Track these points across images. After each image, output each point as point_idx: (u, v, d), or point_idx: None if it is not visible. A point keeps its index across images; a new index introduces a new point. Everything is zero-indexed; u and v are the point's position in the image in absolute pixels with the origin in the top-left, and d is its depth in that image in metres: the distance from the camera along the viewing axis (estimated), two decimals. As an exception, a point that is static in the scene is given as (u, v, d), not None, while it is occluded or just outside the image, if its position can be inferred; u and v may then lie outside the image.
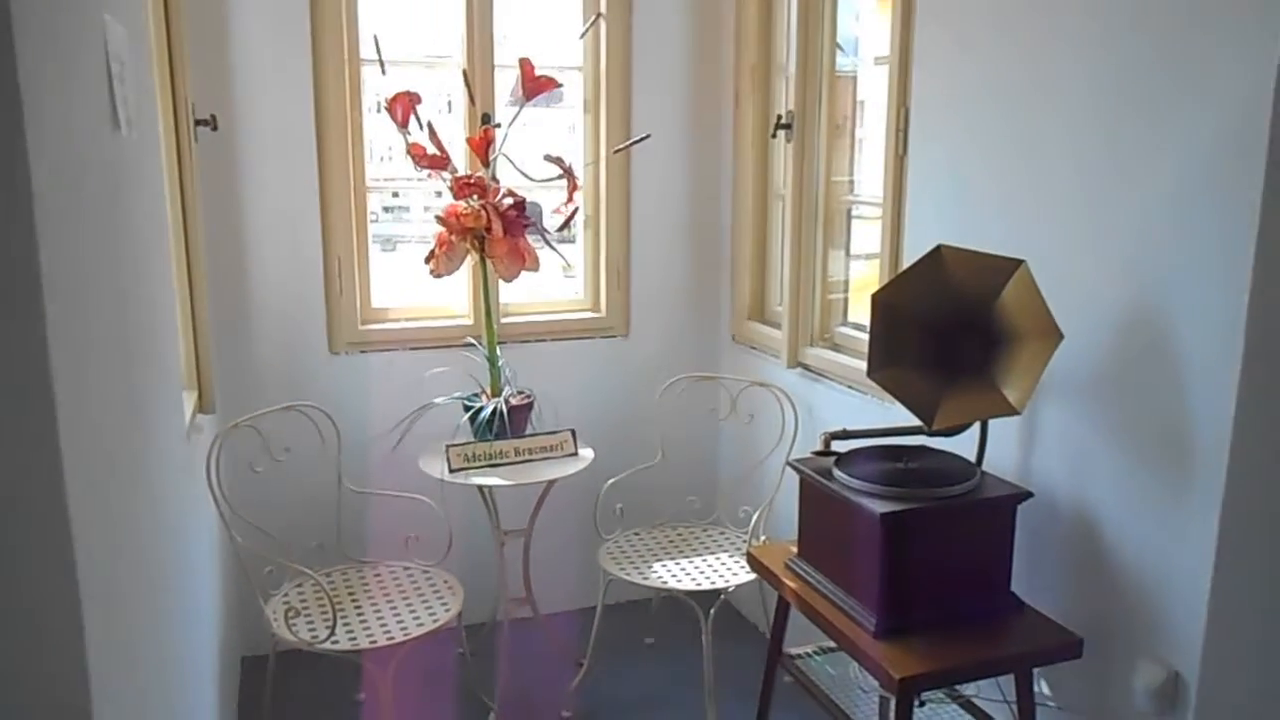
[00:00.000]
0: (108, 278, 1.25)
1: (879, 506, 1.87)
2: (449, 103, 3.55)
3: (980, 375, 1.91)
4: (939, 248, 1.93)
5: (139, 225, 1.53)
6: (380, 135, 3.32)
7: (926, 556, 1.93)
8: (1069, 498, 2.03)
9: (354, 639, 2.48)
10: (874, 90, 2.86)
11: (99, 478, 1.11)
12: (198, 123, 2.36)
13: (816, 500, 2.11)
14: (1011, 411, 1.82)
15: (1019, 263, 1.85)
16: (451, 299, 3.33)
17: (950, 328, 1.96)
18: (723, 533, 3.14)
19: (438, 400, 3.01)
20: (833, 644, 2.37)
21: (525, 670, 3.14)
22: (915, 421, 2.18)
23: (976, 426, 2.11)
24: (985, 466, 2.10)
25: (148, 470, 1.52)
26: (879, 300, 1.97)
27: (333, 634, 2.44)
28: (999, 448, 2.16)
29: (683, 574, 2.85)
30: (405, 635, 2.49)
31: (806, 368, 3.01)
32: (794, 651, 2.39)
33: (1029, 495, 1.98)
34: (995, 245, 2.01)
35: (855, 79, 2.95)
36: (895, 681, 1.77)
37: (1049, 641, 1.91)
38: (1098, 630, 1.94)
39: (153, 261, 1.69)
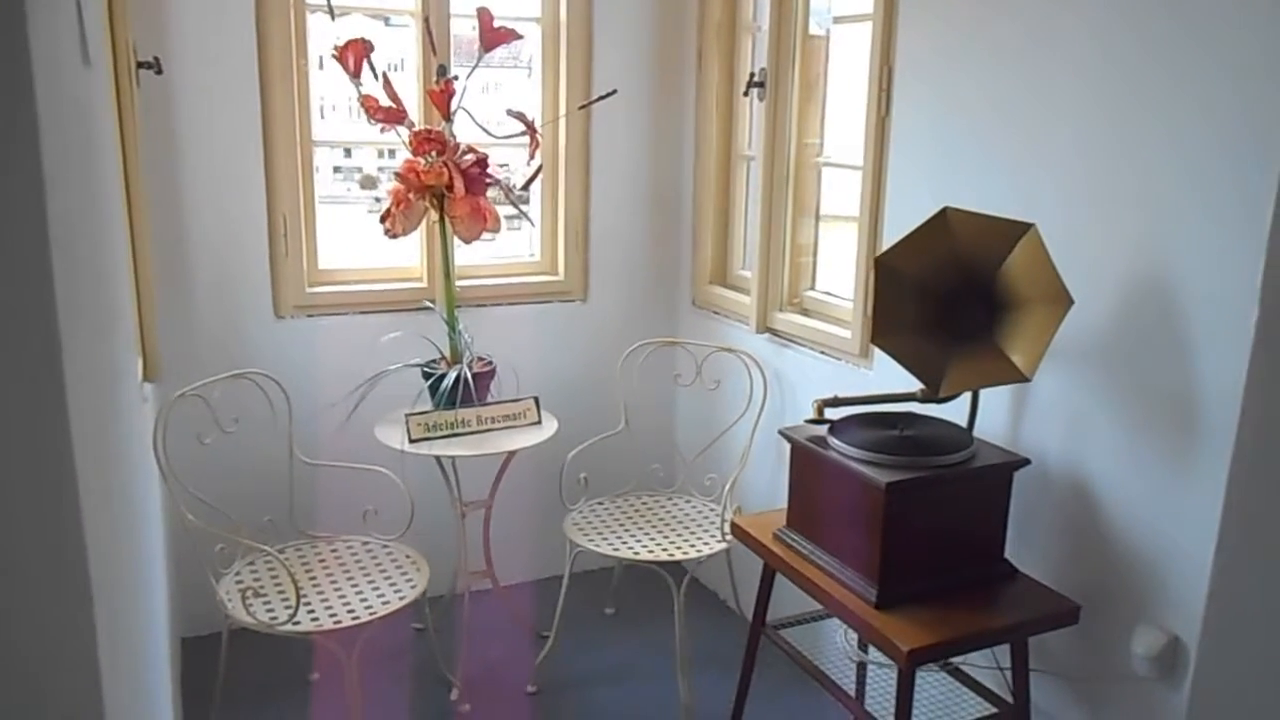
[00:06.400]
0: (88, 229, 1.10)
1: (883, 476, 1.83)
2: (400, 61, 3.36)
3: (985, 341, 1.87)
4: (945, 210, 1.88)
5: (106, 171, 1.37)
6: (326, 91, 3.13)
7: (925, 525, 1.90)
8: (1063, 464, 2.02)
9: (316, 619, 2.35)
10: (847, 51, 2.80)
11: (98, 454, 0.98)
12: (140, 65, 2.16)
13: (810, 469, 2.06)
14: (1020, 378, 1.79)
15: (1028, 226, 1.82)
16: (403, 260, 3.18)
17: (953, 292, 1.91)
18: (688, 500, 3.08)
19: (393, 367, 2.87)
20: (810, 614, 2.35)
21: (486, 644, 3.06)
22: (897, 387, 2.15)
23: (966, 393, 2.09)
24: (976, 433, 2.08)
25: (120, 444, 1.38)
26: (883, 264, 1.91)
27: (294, 615, 2.30)
28: (987, 414, 2.14)
29: (652, 544, 2.79)
30: (371, 614, 2.37)
31: (775, 332, 2.96)
32: (774, 621, 2.35)
33: (1026, 462, 1.96)
34: (982, 208, 1.97)
35: (828, 38, 2.88)
36: (904, 654, 1.74)
37: (1047, 609, 1.90)
38: (1093, 596, 1.94)
39: (113, 210, 1.53)
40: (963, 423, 2.09)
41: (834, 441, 1.98)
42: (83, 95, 1.18)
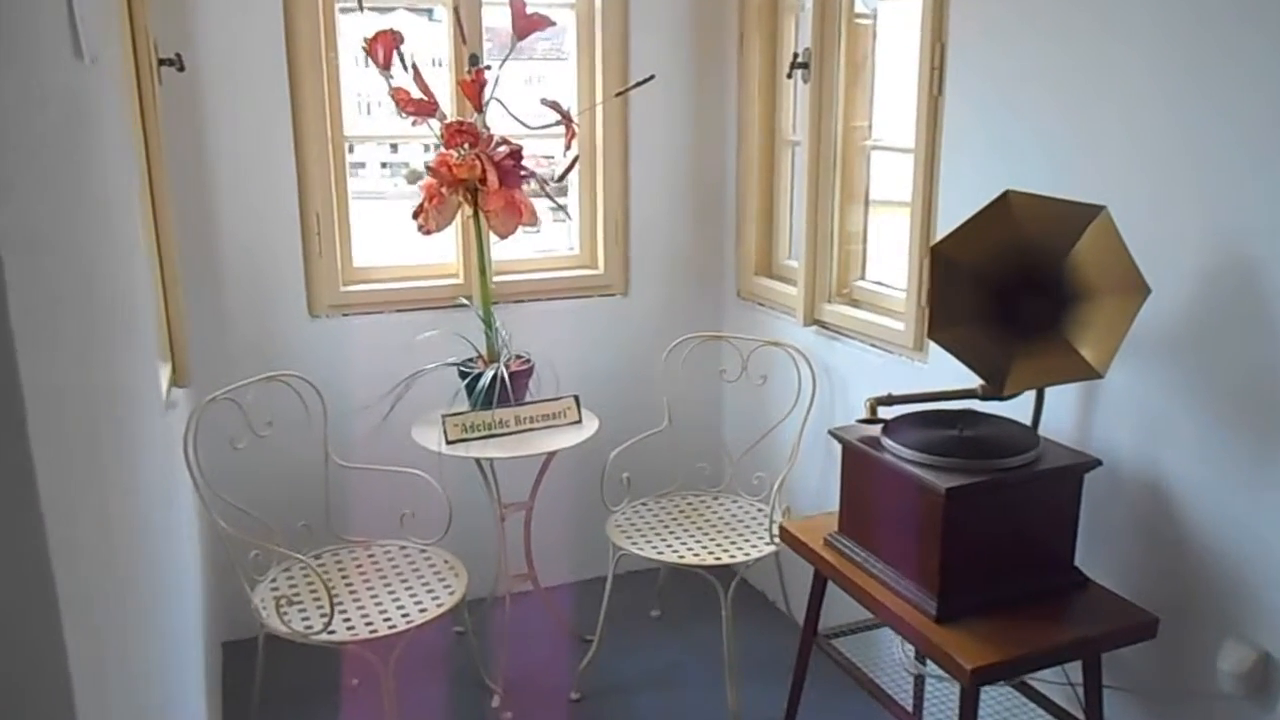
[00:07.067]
0: (70, 229, 1.02)
1: (942, 480, 1.70)
2: (441, 57, 3.27)
3: (1052, 335, 1.74)
4: (1006, 193, 1.74)
5: (106, 170, 1.30)
6: (371, 87, 3.06)
7: (989, 532, 1.77)
8: (1137, 464, 1.87)
9: (352, 628, 2.28)
10: (896, 28, 2.66)
11: (72, 471, 0.90)
12: (161, 62, 2.10)
13: (863, 472, 1.94)
14: (1092, 374, 1.65)
15: (1099, 209, 1.67)
16: (439, 257, 3.11)
17: (1016, 282, 1.78)
18: (735, 501, 2.97)
19: (429, 366, 2.80)
20: (865, 622, 2.23)
21: (528, 648, 2.98)
22: (954, 383, 2.01)
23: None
24: (1040, 431, 1.94)
25: (123, 457, 1.31)
26: (939, 253, 1.78)
27: (330, 624, 2.24)
28: (1053, 412, 2.00)
29: (699, 547, 2.68)
30: (408, 623, 2.30)
31: (823, 325, 2.83)
32: (826, 629, 2.23)
33: (1097, 463, 1.82)
34: (1047, 187, 1.84)
35: (875, 15, 2.74)
36: (967, 673, 1.61)
37: (1123, 621, 1.76)
38: (1173, 608, 1.80)
39: (121, 213, 1.46)
40: (1026, 421, 1.95)
41: (888, 443, 1.86)
42: (73, 90, 1.11)
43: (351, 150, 4.70)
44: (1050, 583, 1.84)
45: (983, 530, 1.76)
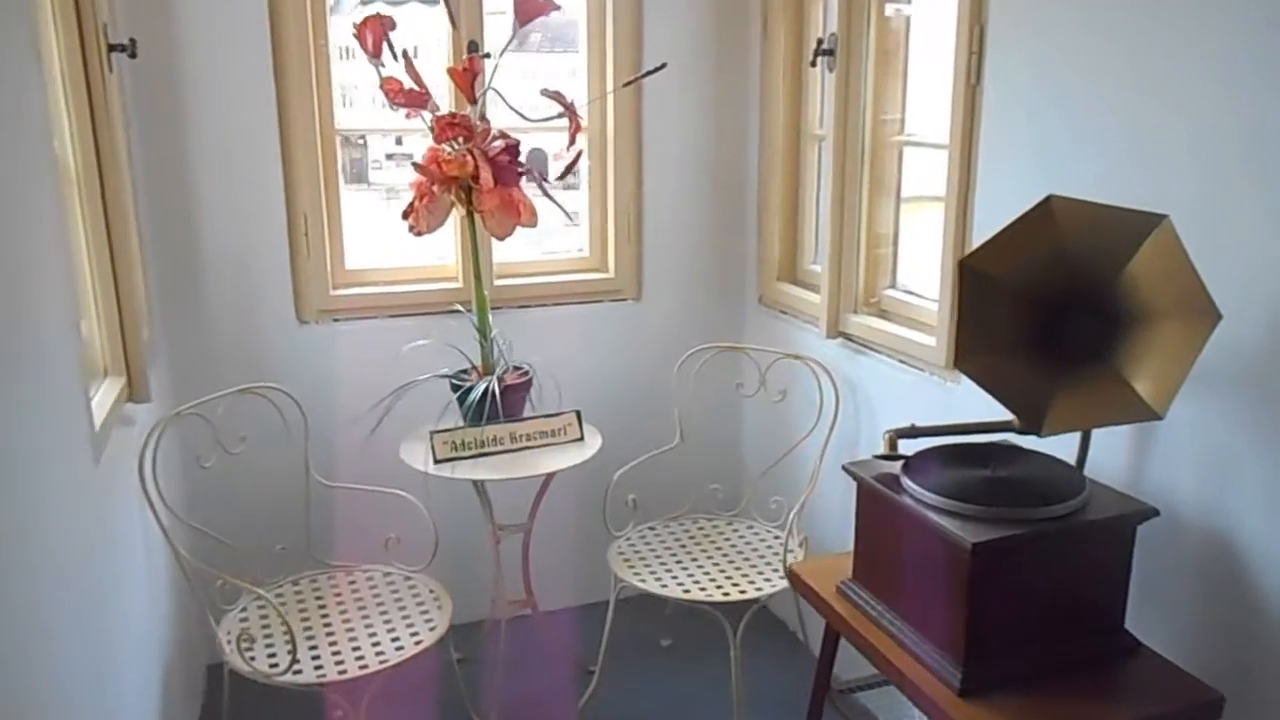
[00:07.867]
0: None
1: (969, 533, 1.46)
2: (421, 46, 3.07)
3: (1101, 366, 1.48)
4: (1049, 199, 1.49)
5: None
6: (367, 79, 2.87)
7: (1025, 592, 1.53)
8: (1200, 513, 1.61)
9: (320, 668, 2.09)
10: (931, 11, 2.40)
11: None
12: (112, 48, 1.92)
13: (880, 515, 1.70)
14: (1149, 415, 1.40)
15: (1159, 218, 1.42)
16: (438, 258, 2.91)
17: (1059, 303, 1.53)
18: (750, 527, 2.74)
19: (420, 378, 2.60)
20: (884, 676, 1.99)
21: (524, 679, 2.77)
22: (989, 410, 1.77)
23: (1077, 421, 1.70)
24: (1087, 471, 1.69)
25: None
26: (970, 268, 1.53)
27: (295, 662, 2.05)
28: (1101, 447, 1.74)
29: (707, 579, 2.46)
30: (381, 663, 2.10)
31: (848, 337, 2.59)
32: (843, 683, 2.00)
33: (1154, 513, 1.57)
34: (1093, 194, 1.58)
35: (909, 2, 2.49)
36: (994, 763, 1.38)
37: (1181, 698, 1.51)
38: (1240, 683, 1.54)
39: (20, 221, 1.27)
40: (1071, 458, 1.70)
41: (908, 483, 1.62)
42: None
43: (400, 143, 4.49)
44: (1096, 649, 1.59)
45: (1017, 590, 1.52)
